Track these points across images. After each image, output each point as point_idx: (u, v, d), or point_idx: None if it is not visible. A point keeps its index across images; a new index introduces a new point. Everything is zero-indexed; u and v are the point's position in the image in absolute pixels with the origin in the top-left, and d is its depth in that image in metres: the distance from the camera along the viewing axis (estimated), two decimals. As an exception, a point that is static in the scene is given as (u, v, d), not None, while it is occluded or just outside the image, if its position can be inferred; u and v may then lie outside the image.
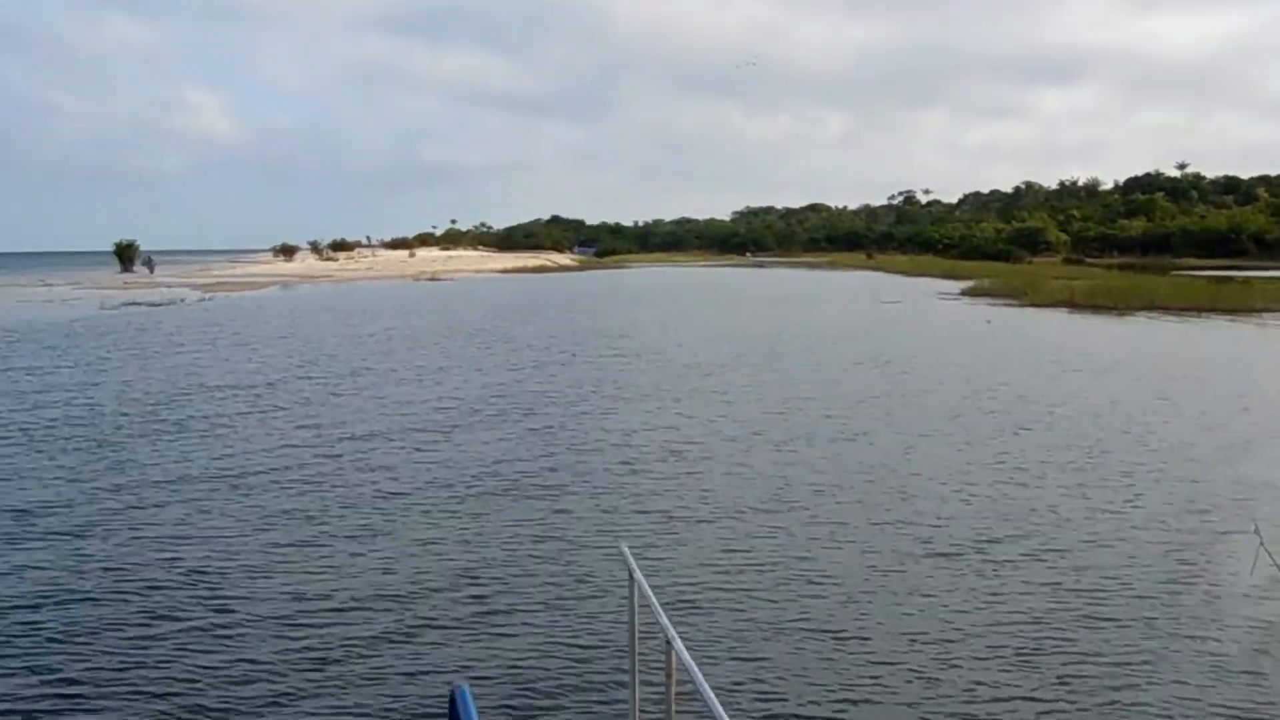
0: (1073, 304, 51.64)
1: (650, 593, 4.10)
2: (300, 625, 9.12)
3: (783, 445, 17.13)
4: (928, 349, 32.00)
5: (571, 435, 17.98)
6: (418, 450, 16.66)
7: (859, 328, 40.14)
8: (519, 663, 8.29)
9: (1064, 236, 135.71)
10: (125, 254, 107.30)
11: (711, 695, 3.14)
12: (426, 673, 8.10)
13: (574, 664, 8.30)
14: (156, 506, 13.11)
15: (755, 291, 71.01)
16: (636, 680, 4.66)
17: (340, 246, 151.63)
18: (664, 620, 3.80)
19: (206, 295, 66.05)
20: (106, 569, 10.66)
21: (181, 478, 14.64)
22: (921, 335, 36.77)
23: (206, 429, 18.42)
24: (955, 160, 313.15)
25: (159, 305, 55.40)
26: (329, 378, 25.35)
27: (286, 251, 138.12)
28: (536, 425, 18.97)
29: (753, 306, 54.14)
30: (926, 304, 55.89)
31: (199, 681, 7.96)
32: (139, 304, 56.52)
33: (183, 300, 60.10)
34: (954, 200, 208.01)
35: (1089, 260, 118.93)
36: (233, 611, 9.44)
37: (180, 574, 10.48)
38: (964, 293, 62.42)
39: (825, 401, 21.78)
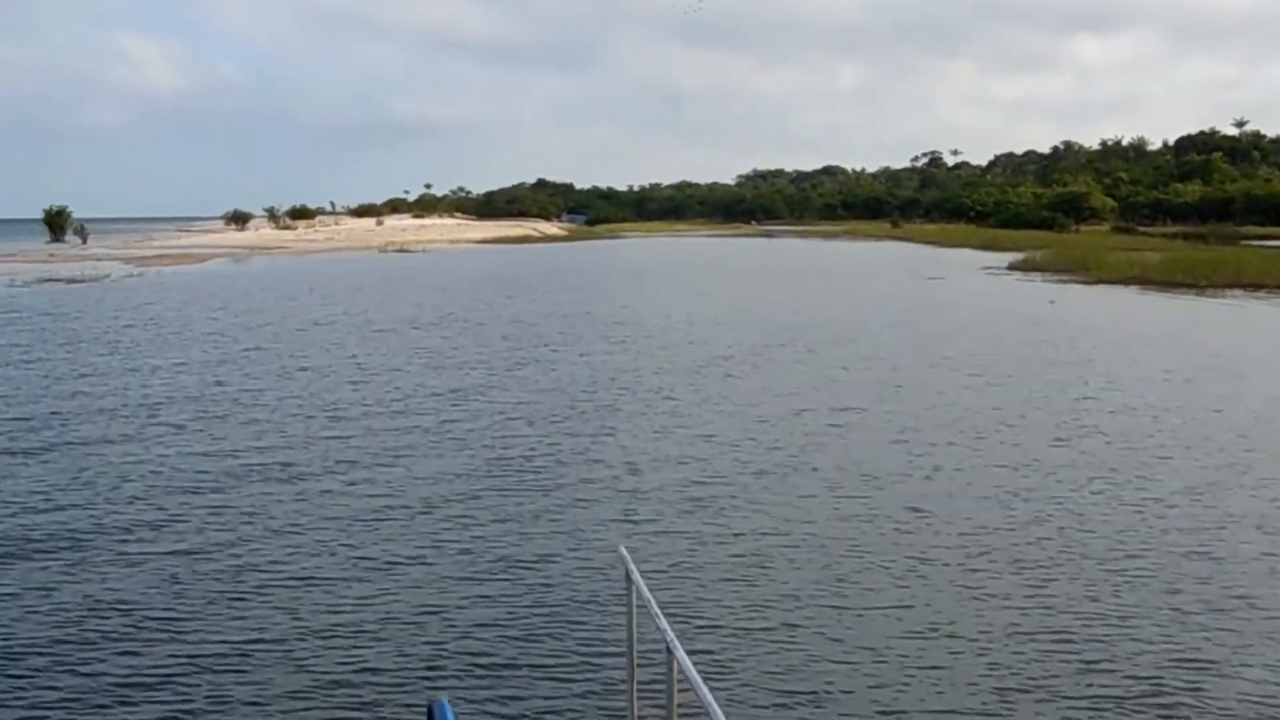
0: (1145, 280, 48.23)
1: (650, 597, 4.20)
2: (267, 633, 9.02)
3: (839, 486, 13.65)
4: (994, 339, 28.48)
5: (554, 464, 14.47)
6: (354, 486, 13.17)
7: (901, 311, 36.61)
8: (504, 673, 8.21)
9: (1110, 202, 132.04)
10: (56, 222, 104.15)
11: (715, 706, 3.21)
12: (403, 686, 7.96)
13: (566, 674, 8.18)
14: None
15: (771, 266, 67.38)
16: (634, 691, 4.78)
17: (300, 214, 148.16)
18: (664, 625, 3.84)
19: (136, 271, 62.56)
20: None
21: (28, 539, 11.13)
22: (979, 320, 33.23)
23: (70, 465, 14.89)
24: (983, 117, 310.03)
25: (78, 283, 51.78)
26: (250, 386, 21.80)
27: (238, 219, 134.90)
28: (510, 453, 15.46)
29: (771, 284, 50.56)
30: (972, 281, 52.37)
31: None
32: (56, 280, 52.95)
33: (107, 277, 56.52)
34: (984, 162, 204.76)
35: (1141, 229, 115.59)
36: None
37: None
38: (1012, 266, 59.01)
39: (886, 417, 18.27)
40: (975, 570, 10.53)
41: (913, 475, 14.33)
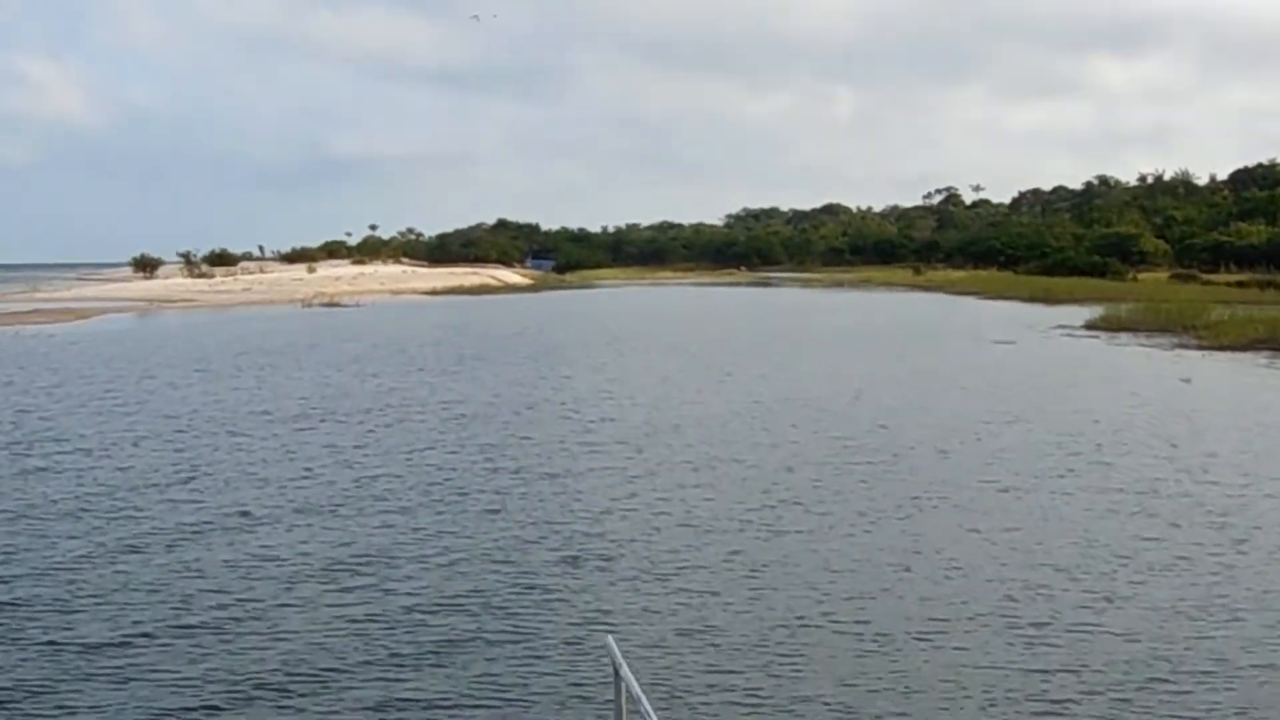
0: (1276, 345, 41.49)
1: (641, 694, 4.17)
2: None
3: None
4: (1156, 446, 21.39)
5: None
6: None
7: (995, 397, 29.47)
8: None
9: (1163, 245, 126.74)
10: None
11: None
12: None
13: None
14: None
15: (786, 324, 60.38)
16: None
17: (220, 260, 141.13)
18: None
19: (-11, 333, 55.12)
20: None
21: None
22: (1110, 413, 26.02)
23: None
24: (999, 148, 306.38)
25: (-106, 350, 44.30)
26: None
27: (146, 266, 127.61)
28: None
29: (798, 351, 43.49)
30: (1053, 346, 45.44)
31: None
32: None
33: (-57, 341, 49.03)
34: (1007, 199, 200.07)
35: (1203, 275, 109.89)
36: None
37: None
38: (1091, 325, 52.36)
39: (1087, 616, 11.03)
40: None
41: None
